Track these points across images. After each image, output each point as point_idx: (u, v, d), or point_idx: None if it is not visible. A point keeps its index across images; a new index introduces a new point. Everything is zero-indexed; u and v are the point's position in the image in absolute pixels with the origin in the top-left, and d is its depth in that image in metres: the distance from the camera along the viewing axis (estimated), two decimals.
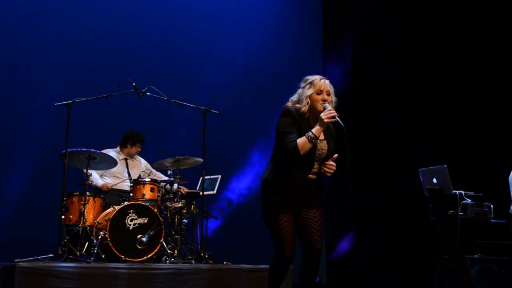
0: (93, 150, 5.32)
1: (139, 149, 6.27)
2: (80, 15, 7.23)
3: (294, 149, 3.29)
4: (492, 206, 5.50)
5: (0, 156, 6.49)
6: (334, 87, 3.53)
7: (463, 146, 7.07)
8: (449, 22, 7.51)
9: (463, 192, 5.48)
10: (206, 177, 5.82)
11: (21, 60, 6.79)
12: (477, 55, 7.21)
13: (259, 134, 8.21)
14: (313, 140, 3.29)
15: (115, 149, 6.23)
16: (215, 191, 6.24)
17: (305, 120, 3.43)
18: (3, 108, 6.62)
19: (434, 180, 5.53)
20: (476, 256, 5.44)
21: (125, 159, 6.20)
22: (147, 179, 5.70)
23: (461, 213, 5.39)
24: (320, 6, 9.11)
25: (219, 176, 6.38)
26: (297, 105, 3.46)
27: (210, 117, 5.89)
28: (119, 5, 7.58)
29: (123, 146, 6.23)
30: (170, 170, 5.85)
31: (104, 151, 5.79)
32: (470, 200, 5.45)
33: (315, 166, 3.43)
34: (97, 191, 5.80)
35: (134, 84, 5.49)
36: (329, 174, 3.41)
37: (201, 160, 5.73)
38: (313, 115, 3.43)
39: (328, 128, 3.52)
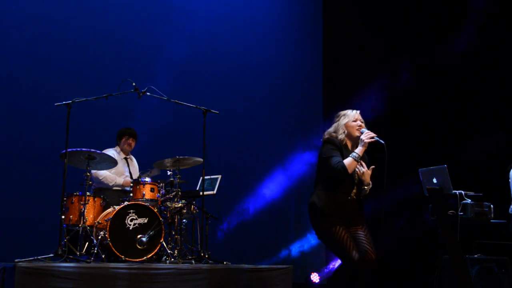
0: (93, 150, 5.32)
1: (132, 143, 6.19)
2: (80, 15, 7.23)
3: (343, 169, 3.72)
4: (492, 206, 5.50)
5: (0, 156, 6.49)
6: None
7: (463, 146, 7.07)
8: (450, 22, 7.52)
9: (463, 192, 5.48)
10: (206, 177, 5.81)
11: (21, 60, 6.78)
12: (477, 55, 7.21)
13: (259, 133, 8.21)
14: (358, 159, 3.75)
15: (114, 148, 6.22)
16: (215, 191, 6.23)
17: (345, 146, 3.89)
18: (4, 108, 6.62)
19: (434, 180, 5.53)
20: (476, 256, 5.44)
21: (125, 158, 6.20)
22: (147, 179, 5.69)
23: (461, 213, 5.39)
24: (320, 6, 9.10)
25: (219, 176, 6.37)
26: (334, 134, 3.92)
27: (210, 117, 5.89)
28: (120, 5, 7.58)
29: (118, 145, 6.23)
30: (170, 170, 5.84)
31: (104, 151, 5.79)
32: (470, 200, 5.45)
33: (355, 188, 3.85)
34: (98, 191, 5.80)
35: (134, 84, 5.48)
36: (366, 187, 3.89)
37: (201, 160, 5.73)
38: (351, 140, 3.92)
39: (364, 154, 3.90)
